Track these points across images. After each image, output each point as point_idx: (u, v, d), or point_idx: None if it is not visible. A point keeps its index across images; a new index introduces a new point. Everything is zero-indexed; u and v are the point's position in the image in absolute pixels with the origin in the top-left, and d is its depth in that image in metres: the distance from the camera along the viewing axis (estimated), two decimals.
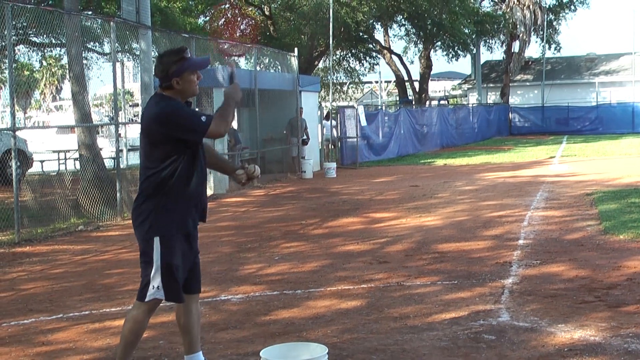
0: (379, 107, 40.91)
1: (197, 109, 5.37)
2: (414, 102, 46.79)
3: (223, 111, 5.31)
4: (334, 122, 29.52)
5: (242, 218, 15.04)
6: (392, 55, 47.16)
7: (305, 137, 24.74)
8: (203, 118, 5.20)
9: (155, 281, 5.25)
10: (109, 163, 20.55)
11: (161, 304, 5.42)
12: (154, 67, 5.48)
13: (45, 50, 29.94)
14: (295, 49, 25.92)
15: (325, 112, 31.82)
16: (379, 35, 46.58)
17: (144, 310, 5.32)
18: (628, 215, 12.98)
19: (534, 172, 22.49)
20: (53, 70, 64.47)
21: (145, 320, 5.37)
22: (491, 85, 58.15)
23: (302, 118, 24.57)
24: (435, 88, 71.18)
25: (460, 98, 64.45)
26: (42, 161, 25.64)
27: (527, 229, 12.32)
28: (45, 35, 22.94)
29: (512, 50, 53.07)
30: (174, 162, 5.22)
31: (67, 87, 58.82)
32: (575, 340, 6.32)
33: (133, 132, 35.40)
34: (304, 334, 6.74)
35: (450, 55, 44.81)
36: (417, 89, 48.48)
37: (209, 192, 18.77)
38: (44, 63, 52.89)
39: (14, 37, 15.34)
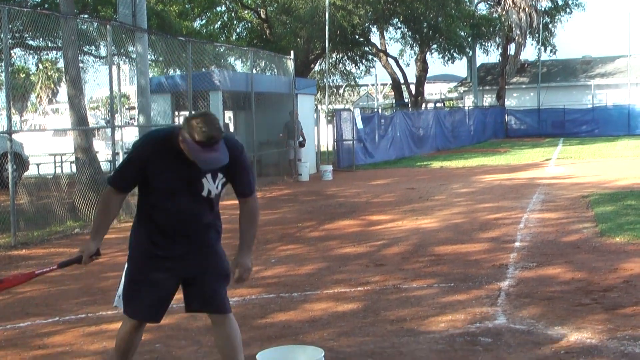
0: (375, 110, 40.87)
1: (127, 163, 4.96)
2: (410, 105, 46.78)
3: (99, 214, 5.16)
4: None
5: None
6: (388, 58, 47.18)
7: (301, 139, 24.72)
8: (113, 174, 5.09)
9: (120, 290, 5.27)
10: (105, 166, 20.53)
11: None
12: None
13: (42, 54, 29.93)
14: (292, 52, 25.93)
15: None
16: (375, 38, 46.64)
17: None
18: (624, 217, 13.00)
19: (530, 175, 22.51)
20: (49, 73, 64.38)
21: (133, 330, 5.24)
22: (487, 88, 58.13)
23: (297, 120, 24.56)
24: (431, 91, 71.14)
25: (456, 101, 64.42)
26: (38, 164, 25.60)
27: (523, 231, 12.33)
28: (41, 39, 22.93)
29: (508, 53, 53.07)
30: (140, 191, 5.10)
31: (63, 90, 58.67)
32: (572, 343, 6.32)
33: (129, 135, 35.40)
34: (300, 337, 6.74)
35: (447, 58, 44.84)
36: (413, 92, 48.49)
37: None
38: (40, 66, 52.82)
39: (10, 40, 15.31)
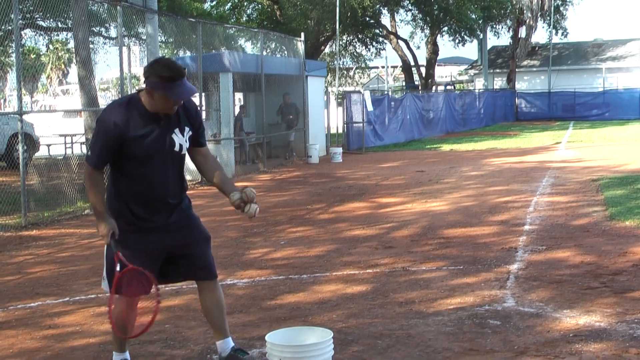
0: (385, 93, 40.78)
1: (100, 139, 4.98)
2: (420, 88, 46.69)
3: (90, 195, 5.16)
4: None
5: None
6: (399, 41, 47.05)
7: (291, 117, 24.47)
8: (89, 153, 5.03)
9: (104, 272, 5.24)
10: None
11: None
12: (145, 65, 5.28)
13: (52, 35, 29.90)
14: (302, 34, 25.87)
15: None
16: (385, 20, 46.53)
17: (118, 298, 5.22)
18: (634, 201, 12.96)
19: (540, 158, 22.46)
20: (60, 54, 64.40)
21: (124, 309, 5.19)
22: (498, 70, 57.99)
23: (292, 103, 24.36)
24: (442, 73, 71.00)
25: (467, 83, 64.30)
26: (48, 145, 25.67)
27: (533, 214, 12.31)
28: (51, 20, 22.91)
29: (519, 36, 52.88)
30: (112, 165, 5.14)
31: (73, 71, 58.77)
32: (581, 326, 6.33)
33: None
34: (309, 319, 6.76)
35: (457, 41, 44.74)
36: (424, 74, 48.39)
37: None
38: (51, 47, 52.83)
39: (20, 21, 15.31)
